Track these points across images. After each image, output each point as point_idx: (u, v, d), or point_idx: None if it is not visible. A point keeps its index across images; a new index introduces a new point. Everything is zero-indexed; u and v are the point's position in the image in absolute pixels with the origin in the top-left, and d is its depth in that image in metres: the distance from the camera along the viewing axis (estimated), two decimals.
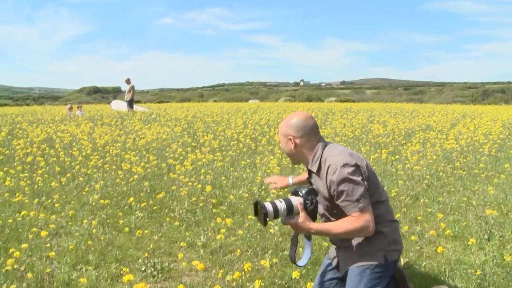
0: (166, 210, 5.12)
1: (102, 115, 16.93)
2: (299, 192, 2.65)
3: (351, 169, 2.52)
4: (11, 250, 3.53)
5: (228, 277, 3.31)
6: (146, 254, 3.97)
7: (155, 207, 5.20)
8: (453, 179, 6.65)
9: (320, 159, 2.67)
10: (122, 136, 9.90)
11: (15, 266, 3.49)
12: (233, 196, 5.46)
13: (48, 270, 3.56)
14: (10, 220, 4.63)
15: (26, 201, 5.29)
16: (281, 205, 2.58)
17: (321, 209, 2.75)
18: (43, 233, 3.80)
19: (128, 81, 18.58)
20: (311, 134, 2.74)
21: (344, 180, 2.51)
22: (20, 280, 3.44)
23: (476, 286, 3.32)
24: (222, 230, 3.87)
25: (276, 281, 3.43)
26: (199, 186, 5.65)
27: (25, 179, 6.05)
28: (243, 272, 3.15)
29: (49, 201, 5.36)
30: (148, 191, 5.80)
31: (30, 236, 4.13)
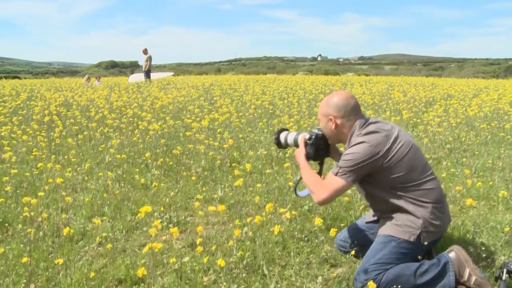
0: (183, 168, 5.05)
1: (120, 84, 16.90)
2: (312, 129, 2.93)
3: (363, 146, 2.54)
4: (27, 199, 3.48)
5: (246, 229, 3.24)
6: (162, 208, 3.91)
7: (171, 163, 5.12)
8: (477, 142, 6.47)
9: (353, 138, 2.66)
10: (139, 99, 9.83)
11: (32, 214, 3.46)
12: (252, 152, 5.36)
13: (64, 216, 3.56)
14: (28, 173, 4.60)
15: (43, 156, 5.25)
16: (291, 136, 3.03)
17: (359, 187, 2.83)
18: (59, 180, 3.75)
19: (145, 52, 18.35)
20: (352, 114, 2.70)
21: (350, 150, 2.59)
22: (37, 229, 3.42)
23: (504, 243, 3.19)
24: (240, 180, 3.78)
25: (296, 234, 3.35)
26: (216, 143, 5.56)
27: (42, 138, 6.03)
28: (264, 214, 3.08)
29: (66, 157, 5.33)
30: (165, 148, 5.73)
31: (47, 188, 4.08)
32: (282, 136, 3.10)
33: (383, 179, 2.60)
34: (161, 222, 3.73)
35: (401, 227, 2.58)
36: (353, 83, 18.84)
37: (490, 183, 4.46)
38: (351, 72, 54.38)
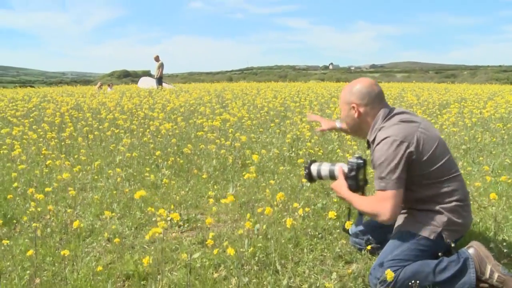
0: (193, 167, 4.97)
1: (131, 89, 16.96)
2: (349, 159, 2.63)
3: (391, 143, 2.36)
4: (34, 192, 3.43)
5: (258, 225, 3.16)
6: (172, 206, 3.84)
7: (181, 162, 5.05)
8: (493, 141, 6.32)
9: (375, 128, 2.53)
10: (150, 101, 9.81)
11: (39, 209, 3.40)
12: (265, 150, 5.27)
13: (69, 211, 3.50)
14: (37, 171, 4.56)
15: (53, 155, 5.21)
16: (326, 168, 2.72)
17: None
18: (66, 175, 3.68)
19: (157, 59, 17.90)
20: (376, 101, 2.58)
21: (379, 152, 2.40)
22: (45, 226, 3.36)
23: None
24: (252, 173, 3.70)
25: (309, 231, 3.25)
26: (228, 143, 5.48)
27: (52, 139, 6.00)
28: (275, 204, 2.98)
29: (76, 157, 5.28)
30: (175, 148, 5.66)
31: (56, 185, 4.03)
32: (314, 168, 2.77)
33: (409, 174, 2.43)
34: (170, 220, 3.67)
35: (422, 223, 2.46)
36: None
37: (510, 180, 4.32)
38: None
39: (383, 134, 2.43)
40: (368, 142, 2.65)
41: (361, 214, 2.72)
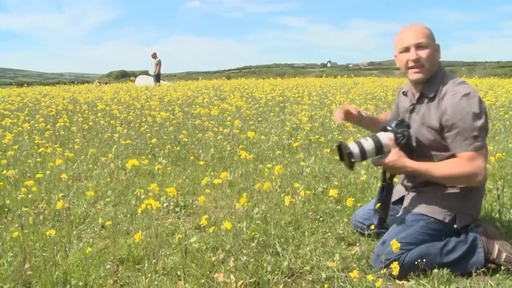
0: (191, 156, 4.86)
1: (128, 86, 16.84)
2: (388, 127, 2.29)
3: (475, 100, 2.13)
4: (26, 181, 3.32)
5: (257, 208, 3.04)
6: (170, 190, 3.72)
7: (178, 149, 4.93)
8: (496, 127, 6.23)
9: (439, 84, 2.29)
10: (147, 94, 9.70)
11: (30, 196, 3.29)
12: (264, 136, 5.15)
13: (60, 195, 3.43)
14: (30, 160, 4.44)
15: (47, 145, 5.10)
16: (368, 143, 2.25)
17: (421, 144, 2.36)
18: (59, 162, 3.57)
19: (154, 56, 17.59)
20: None
21: (464, 110, 2.13)
22: (37, 215, 3.26)
23: None
24: (249, 156, 3.57)
25: (310, 214, 3.14)
26: (226, 130, 5.36)
27: (47, 130, 5.88)
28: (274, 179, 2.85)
29: (70, 147, 5.17)
30: (172, 137, 5.55)
31: (48, 172, 3.92)
32: (355, 149, 2.26)
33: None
34: (167, 206, 3.56)
35: (436, 205, 2.31)
36: (364, 82, 18.68)
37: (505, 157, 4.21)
38: (361, 77, 54.30)
39: (456, 89, 2.20)
40: (421, 96, 2.37)
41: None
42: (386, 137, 2.26)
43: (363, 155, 2.25)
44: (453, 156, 2.22)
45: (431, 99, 2.30)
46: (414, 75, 2.31)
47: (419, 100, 2.38)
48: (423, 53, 2.26)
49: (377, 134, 2.30)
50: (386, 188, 2.45)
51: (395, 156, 2.23)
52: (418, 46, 2.26)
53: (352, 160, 2.24)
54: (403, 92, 2.59)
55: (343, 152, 2.32)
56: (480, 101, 2.15)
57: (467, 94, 2.14)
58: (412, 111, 2.43)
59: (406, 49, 2.30)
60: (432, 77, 2.31)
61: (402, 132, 2.26)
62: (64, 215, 3.23)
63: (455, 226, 2.30)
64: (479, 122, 2.12)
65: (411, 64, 2.29)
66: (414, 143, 2.36)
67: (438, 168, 2.21)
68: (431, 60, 2.28)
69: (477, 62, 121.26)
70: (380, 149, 2.26)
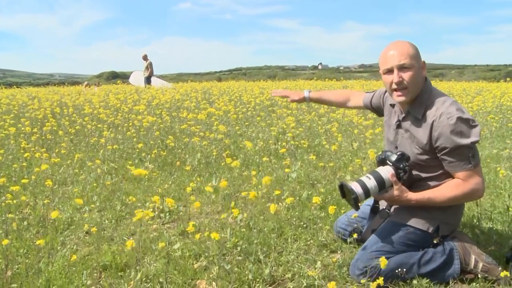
0: (177, 161, 4.87)
1: (118, 88, 16.76)
2: (388, 161, 2.31)
3: (469, 122, 2.14)
4: (11, 187, 3.32)
5: (241, 216, 3.07)
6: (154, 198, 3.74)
7: (164, 154, 4.94)
8: (483, 132, 6.31)
9: (425, 103, 2.27)
10: (135, 96, 9.68)
11: (15, 201, 3.29)
12: (250, 142, 5.16)
13: (47, 201, 3.41)
14: (16, 165, 4.43)
15: (33, 149, 5.08)
16: (371, 182, 2.27)
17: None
18: (44, 167, 3.57)
19: (145, 58, 17.21)
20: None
21: (460, 133, 2.13)
22: (22, 220, 3.25)
23: None
24: (236, 163, 3.60)
25: (294, 221, 3.17)
26: (212, 135, 5.37)
27: (34, 134, 5.86)
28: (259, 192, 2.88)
29: (57, 151, 5.16)
30: (159, 141, 5.56)
31: (33, 178, 3.91)
32: (358, 190, 2.26)
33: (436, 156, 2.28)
34: (152, 211, 3.57)
35: (420, 215, 2.32)
36: (353, 86, 18.78)
37: (499, 169, 4.27)
38: (351, 80, 54.45)
39: (449, 111, 2.17)
40: (407, 115, 2.37)
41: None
42: (387, 174, 2.27)
43: (367, 194, 2.27)
44: (445, 173, 2.27)
45: (419, 120, 2.29)
46: (398, 98, 2.31)
47: (406, 118, 2.39)
48: (406, 76, 2.24)
49: (377, 169, 2.32)
50: (373, 210, 2.51)
51: (398, 192, 2.27)
52: (401, 68, 2.24)
53: (359, 203, 2.29)
54: (391, 104, 2.56)
55: (346, 193, 2.34)
56: (474, 123, 2.16)
57: (460, 118, 2.14)
58: (399, 126, 2.44)
59: (389, 71, 2.29)
60: (418, 96, 2.30)
61: (404, 168, 2.28)
62: (49, 221, 3.24)
63: (435, 236, 2.32)
64: (474, 140, 2.14)
65: (394, 86, 2.28)
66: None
67: (439, 194, 2.25)
68: (414, 82, 2.26)
69: (467, 66, 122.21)
70: (382, 185, 2.29)
